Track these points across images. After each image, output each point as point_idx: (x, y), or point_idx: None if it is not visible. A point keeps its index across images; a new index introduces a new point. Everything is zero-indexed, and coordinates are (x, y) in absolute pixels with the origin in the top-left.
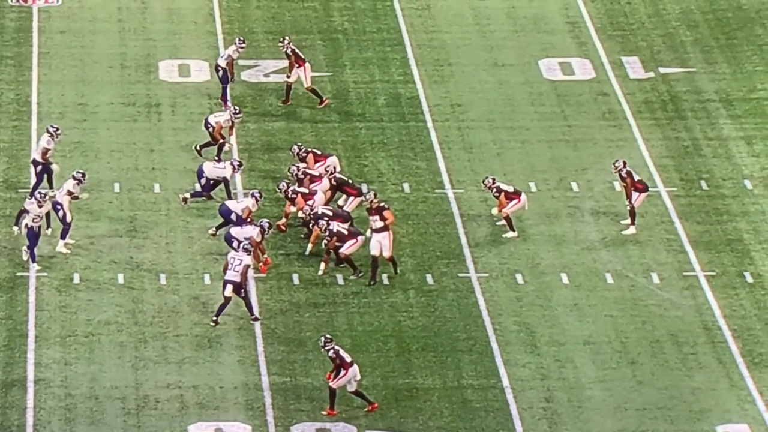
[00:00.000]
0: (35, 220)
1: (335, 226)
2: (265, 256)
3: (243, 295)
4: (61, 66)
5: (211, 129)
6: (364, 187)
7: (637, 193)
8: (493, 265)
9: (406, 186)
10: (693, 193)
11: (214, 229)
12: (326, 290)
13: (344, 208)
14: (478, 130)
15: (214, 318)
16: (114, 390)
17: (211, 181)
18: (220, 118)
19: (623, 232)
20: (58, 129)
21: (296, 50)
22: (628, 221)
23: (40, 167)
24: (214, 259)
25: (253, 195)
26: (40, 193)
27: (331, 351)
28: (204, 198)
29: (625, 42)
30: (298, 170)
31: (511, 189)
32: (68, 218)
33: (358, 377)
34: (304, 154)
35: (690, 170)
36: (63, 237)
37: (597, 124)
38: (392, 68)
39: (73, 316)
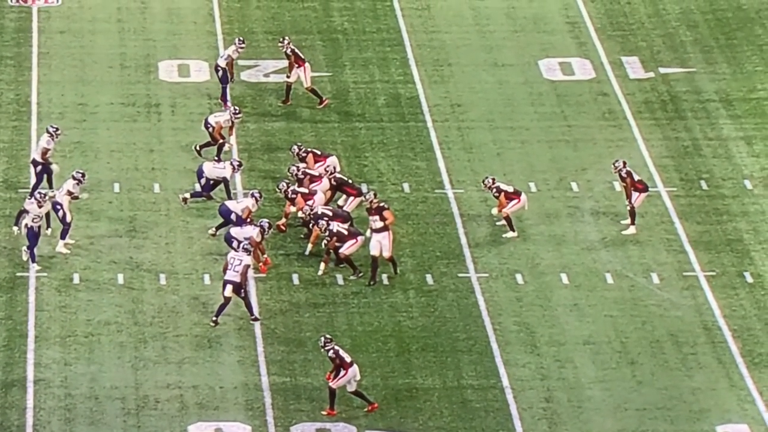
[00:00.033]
0: (35, 220)
1: (335, 226)
2: (265, 256)
3: (243, 295)
4: (61, 66)
5: (210, 129)
6: (363, 187)
7: (637, 193)
8: (493, 265)
9: (405, 186)
10: (693, 193)
11: (213, 229)
12: (326, 290)
13: (344, 208)
14: (478, 130)
15: (214, 318)
16: (114, 390)
17: (211, 181)
18: (219, 118)
19: (623, 232)
20: (57, 129)
21: (296, 50)
22: (628, 221)
23: (39, 167)
24: (213, 260)
25: (252, 195)
26: (39, 193)
27: (331, 351)
28: (204, 198)
29: (625, 42)
30: (298, 170)
31: (511, 189)
32: (68, 218)
33: (358, 377)
34: (304, 154)
35: (690, 170)
36: (63, 237)
37: (597, 124)
38: (392, 68)
39: (72, 316)
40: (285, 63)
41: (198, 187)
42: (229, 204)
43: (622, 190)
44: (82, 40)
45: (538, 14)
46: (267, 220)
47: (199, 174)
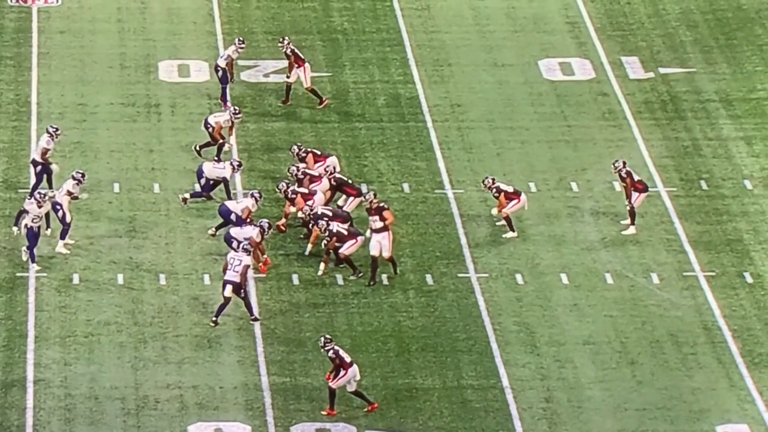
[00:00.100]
0: (35, 221)
1: (335, 226)
2: (265, 256)
3: (243, 295)
4: (61, 66)
5: (210, 129)
6: (363, 188)
7: (637, 193)
8: (493, 265)
9: (405, 186)
10: (693, 194)
11: (213, 229)
12: (326, 290)
13: (344, 209)
14: (478, 131)
15: (214, 318)
16: (114, 390)
17: (211, 182)
18: (219, 118)
19: (623, 232)
20: (57, 129)
21: (296, 50)
22: (628, 221)
23: (39, 167)
24: (213, 260)
25: (252, 195)
26: (39, 193)
27: (331, 351)
28: (204, 198)
29: (625, 42)
30: (298, 170)
31: (510, 189)
32: (68, 218)
33: (358, 377)
34: (304, 155)
35: (690, 170)
36: (62, 237)
37: (597, 125)
38: (392, 68)
39: (72, 316)
40: (285, 63)
41: (198, 188)
42: (229, 204)
43: (621, 190)
44: (82, 40)
45: (538, 14)
46: (267, 221)
47: (199, 174)
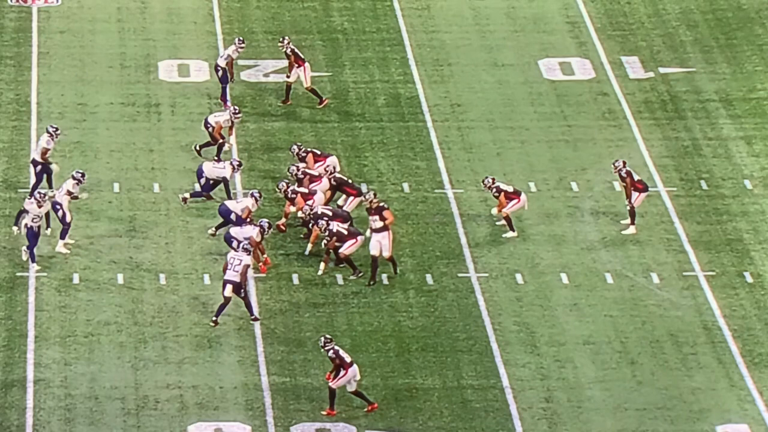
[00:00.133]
0: (35, 220)
1: (335, 226)
2: (265, 256)
3: (243, 295)
4: (61, 66)
5: (210, 129)
6: (363, 187)
7: (637, 193)
8: (493, 265)
9: (405, 186)
10: (693, 193)
11: (213, 229)
12: (326, 290)
13: (344, 208)
14: (478, 130)
15: (214, 318)
16: (114, 390)
17: (211, 181)
18: (219, 118)
19: (623, 232)
20: (57, 129)
21: (296, 50)
22: (628, 221)
23: (39, 167)
24: (213, 259)
25: (252, 195)
26: (39, 193)
27: (331, 351)
28: (204, 198)
29: (625, 42)
30: (298, 170)
31: (510, 189)
32: (68, 218)
33: (358, 377)
34: (304, 154)
35: (690, 170)
36: (62, 237)
37: (597, 124)
38: (392, 68)
39: (72, 316)
40: (285, 63)
41: (198, 187)
42: (229, 204)
43: (621, 190)
44: (81, 40)
45: (538, 14)
46: (267, 220)
47: (199, 174)
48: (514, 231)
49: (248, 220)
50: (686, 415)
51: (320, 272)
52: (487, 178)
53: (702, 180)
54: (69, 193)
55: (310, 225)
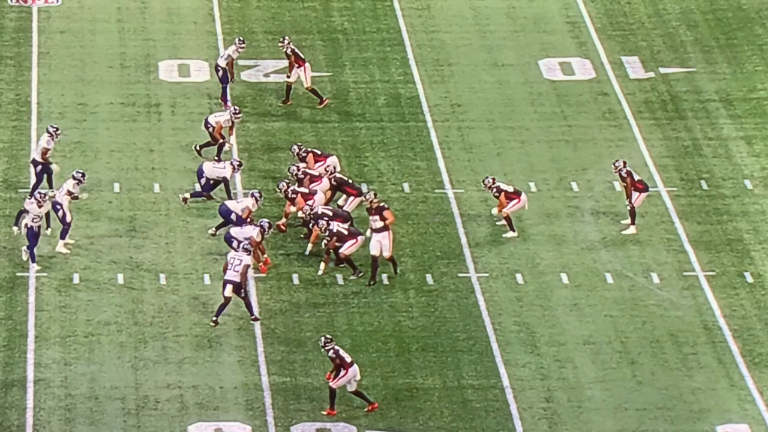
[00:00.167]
0: (35, 220)
1: (335, 226)
2: (265, 256)
3: (243, 295)
4: (61, 66)
5: (211, 129)
6: (364, 187)
7: (637, 193)
8: (493, 265)
9: (406, 186)
10: (693, 193)
11: (213, 229)
12: (326, 290)
13: (344, 208)
14: (478, 130)
15: (214, 318)
16: (114, 390)
17: (211, 181)
18: (220, 118)
19: (623, 232)
20: (57, 129)
21: (296, 50)
22: (628, 221)
23: (39, 167)
24: (213, 259)
25: (252, 195)
26: (39, 193)
27: (331, 351)
28: (204, 198)
29: (625, 42)
30: (298, 170)
31: (511, 189)
32: (68, 218)
33: (358, 377)
34: (304, 154)
35: (690, 170)
36: (63, 237)
37: (597, 124)
38: (392, 68)
39: (72, 316)
40: (285, 63)
41: (198, 187)
42: (229, 204)
43: (622, 189)
44: (82, 40)
45: (538, 14)
46: (267, 220)
47: (199, 174)
48: (514, 231)
49: (248, 220)
50: (686, 415)
51: (320, 272)
52: (487, 178)
53: (702, 180)
54: (69, 193)
55: (311, 225)
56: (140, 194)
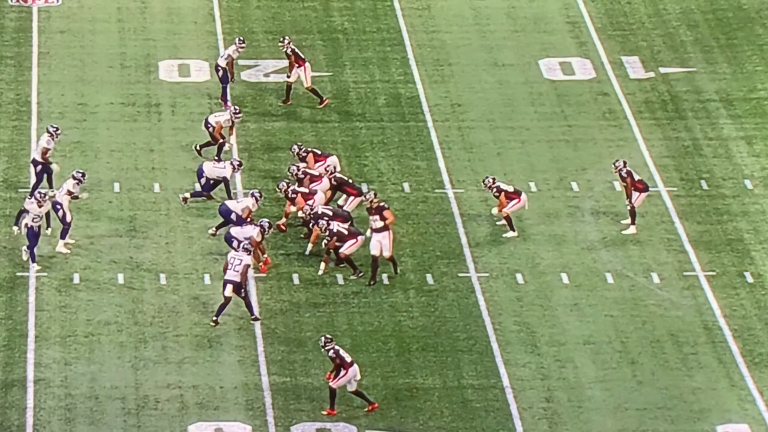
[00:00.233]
0: (35, 220)
1: (335, 225)
2: (265, 255)
3: (243, 295)
4: (61, 66)
5: (211, 129)
6: (364, 187)
7: (638, 193)
8: (494, 264)
9: (406, 186)
10: (693, 193)
11: (214, 228)
12: (326, 290)
13: (344, 208)
14: (479, 130)
15: (214, 318)
16: (114, 390)
17: (211, 181)
18: (220, 117)
19: (623, 232)
20: (57, 129)
21: (296, 50)
22: (629, 221)
23: (39, 167)
24: (214, 259)
25: (253, 195)
26: (39, 192)
27: (331, 351)
28: (204, 198)
29: (626, 42)
30: (298, 170)
31: (511, 189)
32: (68, 218)
33: (358, 377)
34: (304, 154)
35: (690, 170)
36: (63, 237)
37: (597, 124)
38: (392, 68)
39: (73, 316)
40: (285, 63)
41: (198, 187)
42: (230, 204)
43: (622, 189)
44: (82, 40)
45: (538, 14)
46: (267, 220)
47: (200, 174)
48: (514, 231)
49: (249, 219)
50: (687, 415)
51: (321, 272)
52: (487, 177)
53: (702, 180)
54: (69, 192)
55: (311, 225)
56: (140, 194)
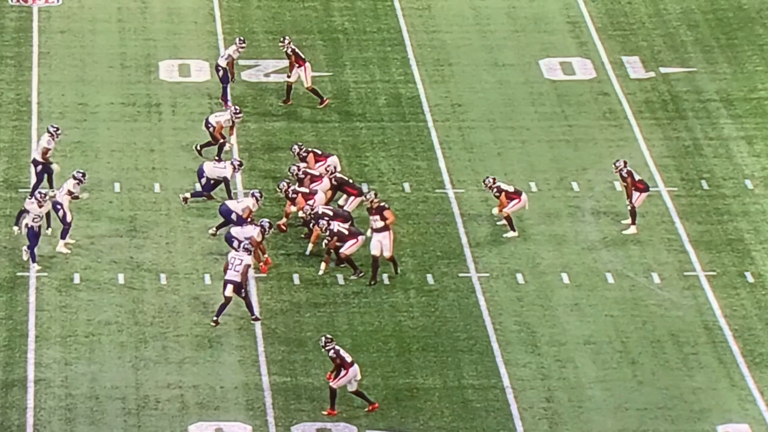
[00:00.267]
0: (35, 220)
1: (336, 225)
2: (266, 255)
3: (243, 295)
4: (62, 66)
5: (211, 129)
6: (364, 187)
7: (638, 193)
8: (494, 264)
9: (406, 186)
10: (694, 193)
11: (214, 228)
12: (327, 290)
13: (345, 208)
14: (479, 130)
15: (215, 318)
16: (114, 390)
17: (212, 181)
18: (220, 117)
19: (624, 232)
20: (58, 129)
21: (296, 50)
22: (629, 221)
23: (40, 167)
24: (214, 259)
25: (253, 195)
26: (40, 192)
27: (332, 351)
28: (204, 198)
29: (626, 42)
30: (299, 170)
31: (511, 189)
32: (68, 218)
33: (359, 377)
34: (305, 154)
35: (691, 170)
36: (63, 237)
37: (597, 124)
38: (393, 68)
39: (73, 316)
40: (285, 63)
41: (198, 187)
42: (230, 204)
43: (622, 189)
44: (82, 40)
45: (538, 14)
46: (267, 220)
47: (200, 174)
48: (514, 231)
49: (249, 219)
50: (687, 415)
51: (321, 272)
52: (487, 177)
53: (703, 180)
54: (70, 192)
55: (311, 225)
56: (141, 194)
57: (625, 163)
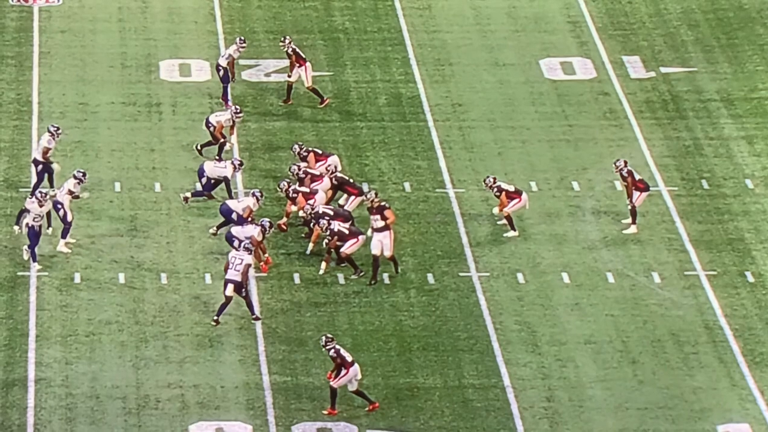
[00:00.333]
0: (36, 220)
1: (336, 225)
2: (266, 255)
3: (244, 294)
4: (62, 66)
5: (212, 128)
6: (365, 187)
7: (638, 193)
8: (494, 264)
9: (407, 185)
10: (694, 193)
11: (214, 228)
12: (327, 290)
13: (345, 208)
14: (479, 130)
15: (215, 317)
16: (115, 389)
17: (212, 181)
18: (221, 117)
19: (624, 232)
20: (58, 128)
21: (297, 50)
22: (629, 220)
23: (40, 166)
24: (215, 259)
25: (254, 194)
26: (40, 192)
27: (332, 350)
28: (205, 197)
29: (626, 41)
30: (299, 169)
31: (512, 188)
32: (69, 217)
33: (359, 377)
34: (305, 154)
35: (691, 170)
36: (64, 236)
37: (598, 124)
38: (393, 68)
39: (73, 315)
40: (286, 62)
41: (199, 187)
42: (230, 203)
43: (623, 189)
44: (83, 40)
45: (539, 14)
46: (268, 220)
47: (200, 173)
48: (515, 230)
49: (249, 219)
50: (687, 415)
51: (321, 272)
52: (488, 177)
53: (703, 179)
54: (70, 192)
55: (312, 224)
56: (141, 193)
57: (626, 162)
